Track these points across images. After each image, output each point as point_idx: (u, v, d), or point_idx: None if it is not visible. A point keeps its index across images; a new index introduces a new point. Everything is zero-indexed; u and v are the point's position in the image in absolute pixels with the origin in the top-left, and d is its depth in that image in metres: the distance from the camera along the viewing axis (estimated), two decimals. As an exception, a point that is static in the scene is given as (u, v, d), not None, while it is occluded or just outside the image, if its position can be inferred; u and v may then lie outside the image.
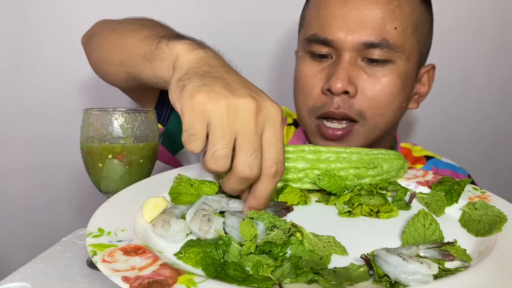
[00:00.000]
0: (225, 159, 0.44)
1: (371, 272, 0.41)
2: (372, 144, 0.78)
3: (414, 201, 0.58)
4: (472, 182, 0.93)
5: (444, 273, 0.40)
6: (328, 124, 0.76)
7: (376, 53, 0.71)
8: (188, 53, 0.51)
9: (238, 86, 0.46)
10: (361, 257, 0.42)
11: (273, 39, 1.21)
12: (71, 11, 1.18)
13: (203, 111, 0.43)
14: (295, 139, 0.91)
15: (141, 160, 0.62)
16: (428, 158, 0.94)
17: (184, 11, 1.22)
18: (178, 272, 0.38)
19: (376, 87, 0.73)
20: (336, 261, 0.43)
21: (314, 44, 0.75)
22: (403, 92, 0.75)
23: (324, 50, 0.75)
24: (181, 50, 0.51)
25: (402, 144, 0.96)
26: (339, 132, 0.75)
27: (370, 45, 0.71)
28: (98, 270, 0.39)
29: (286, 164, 0.59)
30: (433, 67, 0.84)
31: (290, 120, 0.94)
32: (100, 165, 0.60)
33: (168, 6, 1.20)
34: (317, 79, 0.75)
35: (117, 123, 0.60)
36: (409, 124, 1.33)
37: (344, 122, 0.75)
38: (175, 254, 0.44)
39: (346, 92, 0.72)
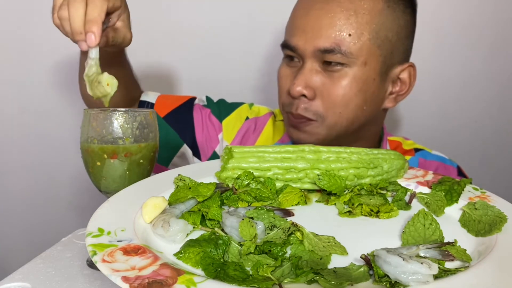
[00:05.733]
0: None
1: (371, 272, 0.41)
2: (346, 136, 0.84)
3: (414, 201, 0.58)
4: (461, 173, 0.94)
5: (444, 273, 0.40)
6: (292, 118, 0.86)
7: (332, 58, 0.77)
8: None
9: None
10: (361, 257, 0.42)
11: (272, 41, 1.22)
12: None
13: None
14: (285, 136, 0.97)
15: (141, 160, 0.62)
16: (417, 150, 0.97)
17: (181, 12, 1.22)
18: (178, 272, 0.38)
19: (332, 89, 0.79)
20: (336, 261, 0.43)
21: (284, 49, 0.84)
22: (360, 94, 0.79)
23: (292, 54, 0.82)
24: None
25: (392, 138, 0.99)
26: (298, 123, 0.83)
27: (325, 51, 0.77)
28: (98, 270, 0.39)
29: (286, 164, 0.59)
30: (411, 66, 0.84)
31: (281, 117, 1.00)
32: (99, 164, 0.60)
33: (166, 7, 1.20)
34: (288, 80, 0.83)
35: (117, 123, 0.60)
36: (409, 124, 1.33)
37: (302, 119, 0.82)
38: (175, 254, 0.44)
39: (304, 95, 0.79)
